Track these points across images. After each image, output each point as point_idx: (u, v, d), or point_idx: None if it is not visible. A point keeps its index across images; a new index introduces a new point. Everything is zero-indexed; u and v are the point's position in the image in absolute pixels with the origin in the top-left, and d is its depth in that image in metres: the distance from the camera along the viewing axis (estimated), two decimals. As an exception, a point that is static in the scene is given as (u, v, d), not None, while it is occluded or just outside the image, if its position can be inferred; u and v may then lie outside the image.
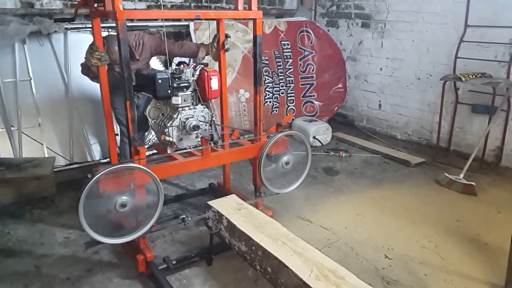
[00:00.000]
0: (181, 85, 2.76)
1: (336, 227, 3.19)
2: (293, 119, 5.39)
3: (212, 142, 2.71)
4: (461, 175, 3.87)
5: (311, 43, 5.55)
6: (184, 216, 2.57)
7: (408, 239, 3.04)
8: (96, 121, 4.37)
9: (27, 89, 4.05)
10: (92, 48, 2.66)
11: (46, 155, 4.06)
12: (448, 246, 2.95)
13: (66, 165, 4.19)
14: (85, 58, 2.87)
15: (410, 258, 2.80)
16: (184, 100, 2.81)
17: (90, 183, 2.19)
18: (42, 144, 4.10)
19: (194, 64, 2.88)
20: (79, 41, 4.20)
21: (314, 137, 4.95)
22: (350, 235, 3.09)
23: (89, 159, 4.33)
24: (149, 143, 4.45)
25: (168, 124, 2.82)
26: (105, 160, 4.35)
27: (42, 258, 2.83)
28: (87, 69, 3.04)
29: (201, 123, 2.85)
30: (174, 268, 2.61)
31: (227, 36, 3.06)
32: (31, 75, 4.06)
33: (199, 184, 3.94)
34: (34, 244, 2.98)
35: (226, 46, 3.06)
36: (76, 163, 4.25)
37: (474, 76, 4.07)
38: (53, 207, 3.50)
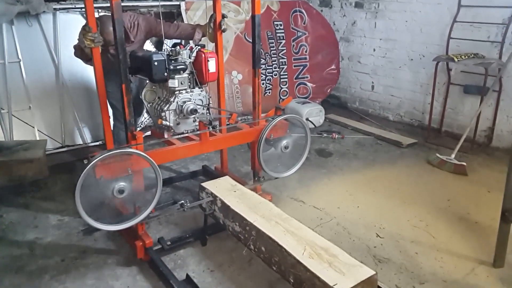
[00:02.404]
0: (178, 67, 2.70)
1: (329, 207, 3.22)
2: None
3: (210, 127, 2.66)
4: (452, 156, 3.91)
5: (304, 23, 5.50)
6: (182, 201, 2.55)
7: (399, 218, 3.08)
8: (88, 104, 4.34)
9: (16, 71, 3.99)
10: (85, 29, 2.59)
11: (38, 138, 4.03)
12: (439, 225, 3.00)
13: (58, 148, 4.17)
14: (78, 39, 2.81)
15: (401, 237, 2.85)
16: (181, 83, 2.75)
17: (86, 169, 2.14)
18: (33, 127, 4.06)
19: (191, 45, 2.82)
20: (69, 22, 4.13)
21: (307, 119, 4.95)
22: (342, 215, 3.13)
23: (81, 142, 4.31)
24: (142, 126, 4.42)
25: (165, 108, 2.76)
26: (97, 143, 4.34)
27: (36, 240, 2.83)
28: (81, 51, 2.98)
29: (198, 106, 2.80)
30: (169, 249, 2.63)
31: (224, 16, 2.98)
32: (20, 57, 3.99)
33: (192, 167, 3.94)
34: (27, 227, 2.98)
35: (223, 27, 2.99)
36: (68, 146, 4.23)
37: (466, 57, 4.08)
38: (46, 190, 3.49)
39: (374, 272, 1.89)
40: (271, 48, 5.29)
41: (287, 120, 2.97)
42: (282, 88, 5.43)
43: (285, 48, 5.39)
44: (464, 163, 3.79)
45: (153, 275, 2.47)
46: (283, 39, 5.37)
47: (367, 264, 1.96)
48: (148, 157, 2.33)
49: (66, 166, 3.92)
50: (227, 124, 2.90)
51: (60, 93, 4.18)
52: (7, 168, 3.38)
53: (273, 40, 5.30)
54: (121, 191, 2.31)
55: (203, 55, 2.75)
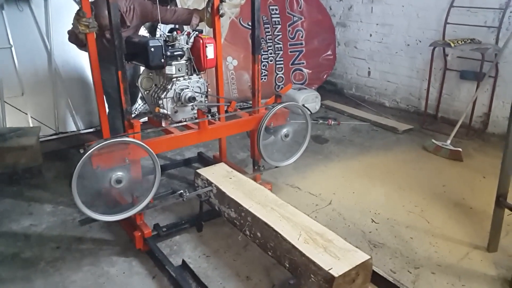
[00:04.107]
0: (175, 53, 2.63)
1: (324, 193, 3.23)
2: (282, 88, 5.35)
3: (209, 115, 2.60)
4: (448, 141, 3.91)
5: (300, 8, 5.43)
6: (181, 191, 2.51)
7: (394, 204, 3.09)
8: (81, 90, 4.29)
9: (7, 57, 3.93)
10: (79, 14, 2.53)
11: (31, 125, 3.99)
12: (434, 210, 3.01)
13: (51, 135, 4.14)
14: (72, 24, 2.74)
15: (396, 222, 2.86)
16: (179, 70, 2.69)
17: (83, 158, 2.10)
18: (26, 114, 4.02)
19: (188, 31, 2.75)
20: (60, 7, 4.06)
21: (303, 106, 4.92)
22: (338, 200, 3.14)
23: (75, 129, 4.27)
24: (136, 113, 4.39)
25: (162, 96, 2.70)
26: (91, 130, 4.31)
27: (31, 227, 2.82)
28: (75, 37, 2.91)
29: (196, 94, 2.75)
30: (164, 235, 2.63)
31: (222, 0, 2.91)
32: (11, 43, 3.92)
33: (188, 153, 3.93)
34: (22, 214, 2.97)
35: (221, 11, 2.91)
36: (62, 132, 4.20)
37: (463, 42, 4.05)
38: (40, 178, 3.46)
39: (369, 257, 1.89)
40: (267, 34, 5.23)
41: (287, 108, 2.92)
42: (277, 74, 5.39)
43: (280, 33, 5.33)
44: (460, 149, 3.79)
45: (149, 261, 2.48)
46: (279, 24, 5.31)
47: (362, 249, 1.96)
48: (146, 146, 2.29)
49: (60, 153, 3.89)
50: (226, 112, 2.84)
51: (53, 79, 4.13)
52: (0, 155, 3.35)
53: (268, 25, 5.23)
54: (118, 181, 2.27)
55: (201, 41, 2.68)
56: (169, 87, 2.71)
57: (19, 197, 3.19)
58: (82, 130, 4.30)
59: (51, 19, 4.05)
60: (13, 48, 3.93)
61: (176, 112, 2.77)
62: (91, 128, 4.33)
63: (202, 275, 2.32)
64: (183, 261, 2.40)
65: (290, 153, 3.05)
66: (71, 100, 4.24)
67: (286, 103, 2.89)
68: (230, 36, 4.93)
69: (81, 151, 2.13)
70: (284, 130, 2.93)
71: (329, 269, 1.80)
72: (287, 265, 2.04)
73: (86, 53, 3.10)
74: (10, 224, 2.86)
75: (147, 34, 4.39)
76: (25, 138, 3.49)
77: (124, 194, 2.54)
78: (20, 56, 3.98)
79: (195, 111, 2.77)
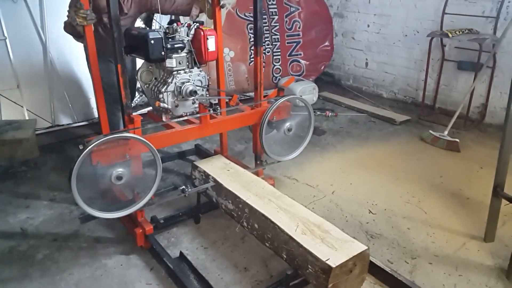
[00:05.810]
0: (175, 46, 2.57)
1: (322, 185, 3.23)
2: (279, 79, 5.33)
3: (211, 109, 2.54)
4: (445, 132, 3.91)
5: (297, -2, 5.39)
6: (183, 187, 2.49)
7: (392, 195, 3.10)
8: (77, 83, 4.26)
9: (2, 49, 3.90)
10: (76, 6, 2.47)
11: (27, 118, 3.97)
12: (431, 201, 3.02)
13: (48, 128, 4.12)
14: (69, 15, 2.69)
15: (393, 213, 2.87)
16: (179, 63, 2.63)
17: (82, 154, 2.05)
18: (22, 107, 4.00)
19: (188, 22, 2.69)
20: (55, -1, 4.02)
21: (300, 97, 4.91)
22: (335, 192, 3.14)
23: (71, 121, 4.25)
24: (133, 104, 4.36)
25: (163, 89, 2.65)
26: (86, 122, 4.28)
27: (27, 220, 2.81)
28: (72, 27, 2.86)
29: (198, 88, 2.70)
30: (162, 227, 2.63)
31: None
32: (5, 35, 3.88)
33: (184, 146, 3.91)
34: (19, 207, 2.96)
35: (221, 2, 2.85)
36: (58, 125, 4.18)
37: (461, 32, 4.04)
38: (36, 170, 3.45)
39: (366, 247, 1.90)
40: (264, 24, 5.18)
41: (289, 102, 2.86)
42: (275, 65, 5.36)
43: (278, 24, 5.29)
44: (457, 140, 3.80)
45: (146, 253, 2.48)
46: (276, 14, 5.27)
47: (359, 240, 1.97)
48: (147, 141, 2.25)
49: (56, 145, 3.87)
50: (227, 104, 2.79)
51: (49, 71, 4.10)
52: (-4, 148, 3.34)
53: (265, 16, 5.18)
54: (119, 178, 2.24)
55: (202, 33, 2.62)
56: (169, 80, 2.66)
57: (16, 190, 3.17)
58: (78, 122, 4.28)
59: (46, 11, 4.01)
60: (7, 40, 3.89)
61: (177, 106, 2.72)
62: (87, 120, 4.31)
63: (200, 267, 2.32)
64: (181, 252, 2.40)
65: (292, 147, 3.01)
66: (66, 92, 4.21)
67: (289, 97, 2.83)
68: (227, 27, 4.88)
69: (81, 147, 2.10)
70: (287, 124, 2.87)
71: (326, 260, 1.80)
72: (285, 256, 2.04)
73: (82, 45, 3.06)
74: (7, 217, 2.84)
75: (143, 25, 4.35)
76: (21, 131, 3.48)
77: (124, 191, 2.51)
78: (15, 48, 3.94)
79: (196, 105, 2.73)
